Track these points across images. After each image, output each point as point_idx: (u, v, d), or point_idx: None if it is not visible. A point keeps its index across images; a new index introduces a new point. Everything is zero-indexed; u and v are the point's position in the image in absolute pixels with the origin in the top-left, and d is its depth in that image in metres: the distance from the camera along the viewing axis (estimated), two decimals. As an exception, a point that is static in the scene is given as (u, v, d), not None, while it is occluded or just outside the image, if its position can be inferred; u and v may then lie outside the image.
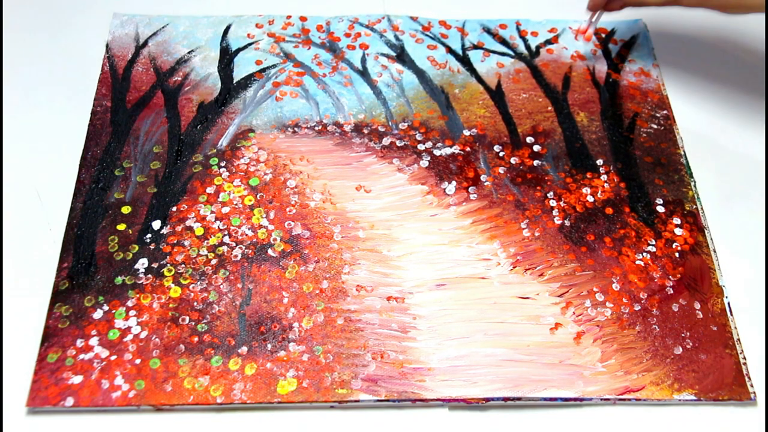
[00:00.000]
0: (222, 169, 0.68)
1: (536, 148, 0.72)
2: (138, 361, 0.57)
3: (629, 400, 0.57)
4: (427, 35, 0.81)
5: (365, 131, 0.73)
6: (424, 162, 0.70)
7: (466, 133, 0.73)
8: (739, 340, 0.60)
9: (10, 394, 0.55)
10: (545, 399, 0.57)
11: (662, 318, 0.61)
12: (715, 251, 0.65)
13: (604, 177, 0.70)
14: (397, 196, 0.68)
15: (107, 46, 0.77)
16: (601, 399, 0.57)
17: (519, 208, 0.67)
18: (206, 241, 0.63)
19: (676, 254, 0.65)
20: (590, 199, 0.68)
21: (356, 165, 0.70)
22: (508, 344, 0.59)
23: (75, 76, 0.75)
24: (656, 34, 0.83)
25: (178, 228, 0.64)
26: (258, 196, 0.67)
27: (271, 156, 0.70)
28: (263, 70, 0.77)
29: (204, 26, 0.80)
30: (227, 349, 0.58)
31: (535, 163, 0.71)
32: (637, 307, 0.62)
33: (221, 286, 0.61)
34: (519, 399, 0.57)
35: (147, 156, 0.69)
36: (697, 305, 0.62)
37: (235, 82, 0.75)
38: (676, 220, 0.67)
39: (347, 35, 0.81)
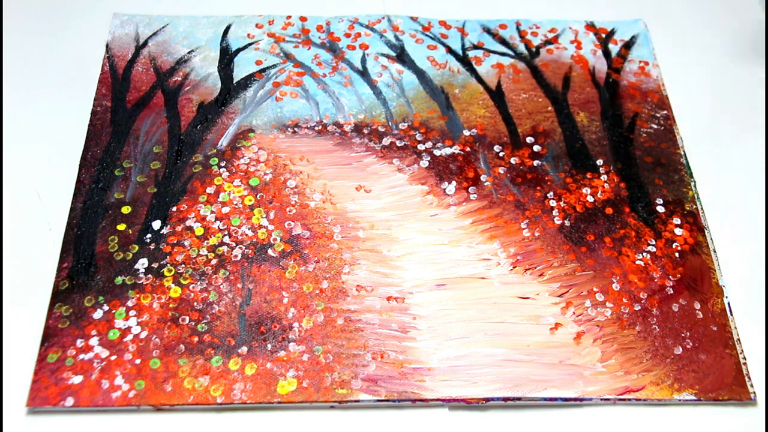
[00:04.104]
0: (222, 169, 0.68)
1: (536, 148, 0.72)
2: (138, 361, 0.57)
3: (629, 400, 0.57)
4: (427, 35, 0.81)
5: (365, 131, 0.73)
6: (424, 162, 0.70)
7: (466, 133, 0.73)
8: (739, 340, 0.60)
9: (10, 394, 0.55)
10: (545, 399, 0.57)
11: (662, 318, 0.61)
12: (715, 251, 0.65)
13: (604, 177, 0.70)
14: (397, 196, 0.68)
15: (107, 46, 0.77)
16: (601, 399, 0.57)
17: (519, 208, 0.67)
18: (206, 241, 0.63)
19: (676, 254, 0.65)
20: (590, 199, 0.68)
21: (356, 165, 0.70)
22: (508, 344, 0.59)
23: (75, 77, 0.75)
24: (656, 34, 0.83)
25: (178, 228, 0.64)
26: (258, 196, 0.67)
27: (271, 156, 0.70)
28: (263, 70, 0.77)
29: (204, 26, 0.80)
30: (227, 349, 0.58)
31: (535, 163, 0.71)
32: (637, 307, 0.62)
33: (221, 286, 0.61)
34: (519, 399, 0.57)
35: (147, 156, 0.69)
36: (697, 305, 0.62)
37: (235, 82, 0.75)
38: (676, 220, 0.67)
39: (347, 35, 0.81)
